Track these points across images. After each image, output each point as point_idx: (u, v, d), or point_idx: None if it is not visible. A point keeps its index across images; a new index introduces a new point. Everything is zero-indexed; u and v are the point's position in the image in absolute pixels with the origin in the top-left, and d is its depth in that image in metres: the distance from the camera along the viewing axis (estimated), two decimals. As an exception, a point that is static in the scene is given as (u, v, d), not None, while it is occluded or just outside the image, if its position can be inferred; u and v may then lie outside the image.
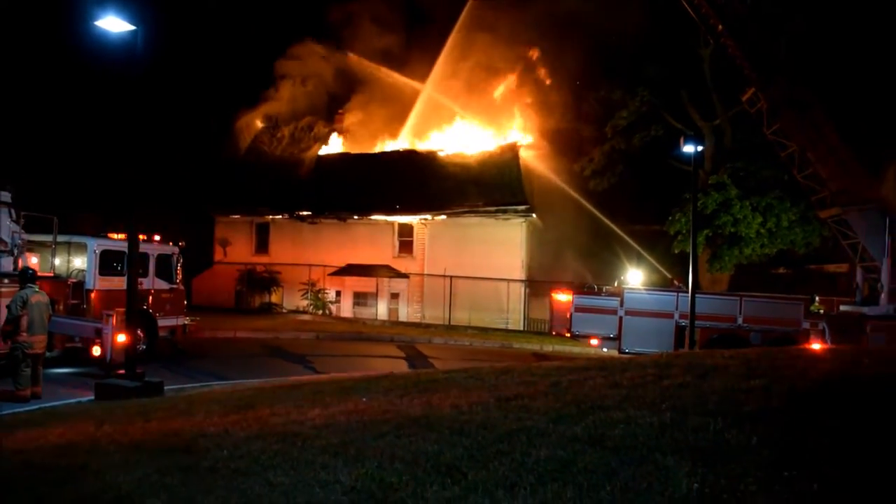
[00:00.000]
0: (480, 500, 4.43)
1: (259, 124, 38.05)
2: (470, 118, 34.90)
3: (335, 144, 36.45)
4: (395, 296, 31.15)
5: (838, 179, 20.40)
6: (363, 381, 10.25)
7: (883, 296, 19.08)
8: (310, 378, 14.63)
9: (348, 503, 4.57)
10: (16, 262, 14.31)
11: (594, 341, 20.53)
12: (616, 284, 23.42)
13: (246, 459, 5.67)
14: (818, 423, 5.77)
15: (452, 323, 28.75)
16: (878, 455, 4.95)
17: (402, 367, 18.34)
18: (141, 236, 14.75)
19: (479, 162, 31.79)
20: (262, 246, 34.13)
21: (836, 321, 18.89)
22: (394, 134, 35.59)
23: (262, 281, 32.12)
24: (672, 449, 5.08)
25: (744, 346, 16.92)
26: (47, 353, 12.80)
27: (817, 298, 20.57)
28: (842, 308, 20.81)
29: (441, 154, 32.87)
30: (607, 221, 31.34)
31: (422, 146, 34.18)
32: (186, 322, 18.64)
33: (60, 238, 15.86)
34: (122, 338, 13.07)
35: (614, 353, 19.50)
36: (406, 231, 31.63)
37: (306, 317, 29.94)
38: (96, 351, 13.99)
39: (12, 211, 14.55)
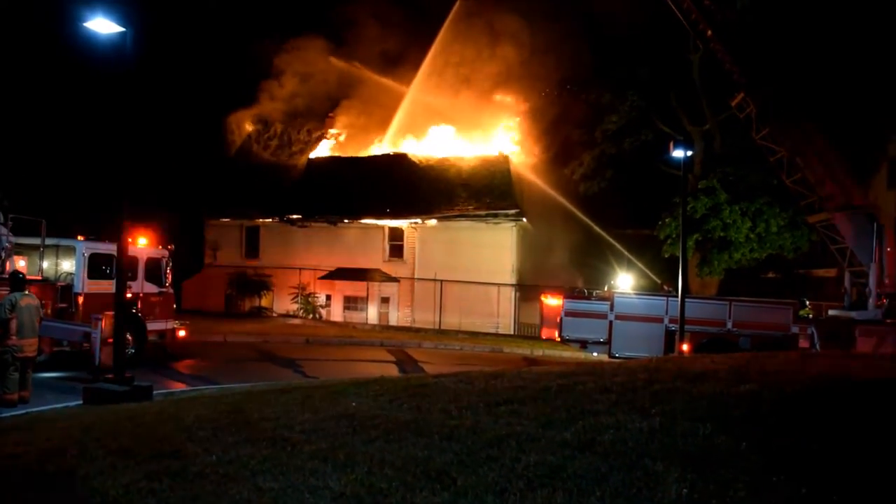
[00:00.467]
0: (470, 505, 4.43)
1: (249, 127, 37.98)
2: (460, 122, 34.92)
3: (326, 147, 36.41)
4: (385, 300, 31.11)
5: (827, 184, 20.53)
6: (353, 386, 10.22)
7: (871, 300, 19.20)
8: (299, 382, 14.59)
9: (338, 509, 4.56)
10: (3, 266, 14.21)
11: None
12: (606, 289, 23.48)
13: (235, 464, 5.65)
14: (807, 428, 5.80)
15: (443, 327, 28.74)
16: (866, 459, 4.98)
17: (392, 371, 18.29)
18: (130, 239, 14.67)
19: (469, 166, 31.85)
20: (253, 249, 34.02)
21: (824, 326, 18.98)
22: (384, 137, 35.57)
23: (252, 285, 32.03)
24: (662, 454, 5.09)
25: (733, 350, 16.95)
26: (38, 358, 12.71)
27: (808, 303, 20.66)
28: (830, 312, 20.92)
29: (431, 158, 32.88)
30: (597, 226, 31.43)
31: (412, 150, 34.16)
32: (176, 326, 18.51)
33: (49, 241, 15.77)
34: (110, 342, 12.98)
35: (604, 357, 19.53)
36: (396, 235, 31.62)
37: (296, 321, 29.87)
38: (86, 355, 13.89)
39: (0, 214, 14.47)
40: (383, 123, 35.71)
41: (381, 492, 4.73)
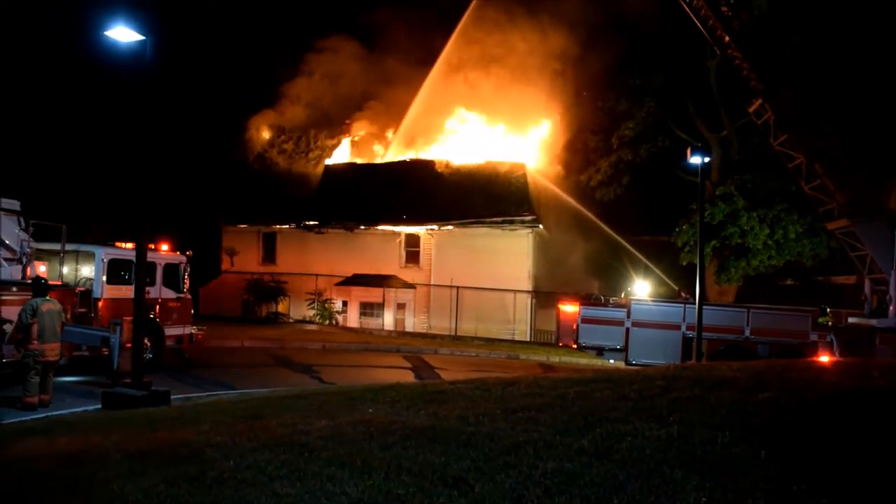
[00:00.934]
0: (487, 512, 4.42)
1: (267, 133, 38.20)
2: (476, 129, 34.92)
3: (343, 154, 36.54)
4: (401, 306, 31.13)
5: (846, 191, 20.36)
6: (370, 392, 10.23)
7: (892, 308, 19.00)
8: (316, 388, 14.63)
9: (355, 515, 4.56)
10: (24, 271, 14.37)
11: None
12: (623, 296, 23.38)
13: (252, 470, 5.66)
14: (827, 437, 5.75)
15: (459, 333, 28.71)
16: (887, 469, 4.93)
17: (408, 377, 18.32)
18: (149, 245, 14.79)
19: (486, 172, 31.83)
20: (269, 255, 34.21)
21: (844, 333, 18.83)
22: (401, 143, 35.66)
23: (268, 290, 32.17)
24: (680, 462, 5.06)
25: (751, 358, 16.83)
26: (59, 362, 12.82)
27: (828, 310, 20.49)
28: (850, 320, 20.73)
29: (448, 164, 32.91)
30: (613, 233, 31.32)
31: (429, 156, 34.21)
32: (193, 331, 18.62)
33: (69, 247, 15.90)
34: (129, 347, 13.08)
35: (621, 364, 19.45)
36: (413, 241, 31.66)
37: (313, 327, 29.95)
38: (105, 359, 14.00)
39: (21, 219, 14.64)
40: (400, 130, 35.79)
41: (398, 498, 4.73)
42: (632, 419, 6.54)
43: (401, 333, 29.53)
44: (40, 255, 15.46)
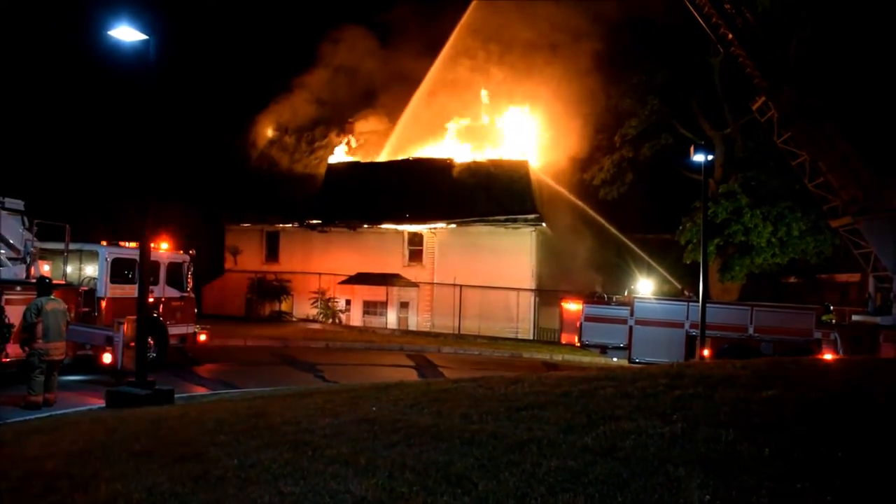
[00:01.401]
0: (491, 510, 4.42)
1: (270, 132, 38.24)
2: (479, 127, 34.92)
3: (345, 153, 36.55)
4: (404, 305, 31.16)
5: (850, 188, 20.29)
6: (373, 391, 10.22)
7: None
8: (320, 387, 14.64)
9: (359, 513, 4.56)
10: (28, 270, 14.40)
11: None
12: (626, 294, 23.35)
13: (256, 469, 5.67)
14: (831, 435, 5.73)
15: (462, 332, 28.73)
16: (892, 468, 4.91)
17: (411, 376, 18.32)
18: (152, 244, 14.81)
19: (488, 171, 31.82)
20: (273, 254, 34.26)
21: (848, 331, 18.77)
22: (403, 142, 35.65)
23: (272, 289, 32.22)
24: (683, 460, 5.05)
25: (755, 355, 16.76)
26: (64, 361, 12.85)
27: (832, 308, 20.41)
28: (854, 318, 20.67)
29: (451, 162, 32.91)
30: (616, 231, 31.29)
31: (431, 155, 34.19)
32: (197, 330, 18.67)
33: (72, 246, 15.94)
34: (132, 345, 13.10)
35: (624, 362, 19.43)
36: (416, 240, 31.67)
37: (316, 325, 29.98)
38: (107, 358, 14.03)
39: (25, 219, 14.68)
40: (403, 129, 35.80)
41: (401, 496, 4.73)
42: (635, 417, 6.53)
43: (404, 332, 29.54)
44: (44, 255, 15.51)
